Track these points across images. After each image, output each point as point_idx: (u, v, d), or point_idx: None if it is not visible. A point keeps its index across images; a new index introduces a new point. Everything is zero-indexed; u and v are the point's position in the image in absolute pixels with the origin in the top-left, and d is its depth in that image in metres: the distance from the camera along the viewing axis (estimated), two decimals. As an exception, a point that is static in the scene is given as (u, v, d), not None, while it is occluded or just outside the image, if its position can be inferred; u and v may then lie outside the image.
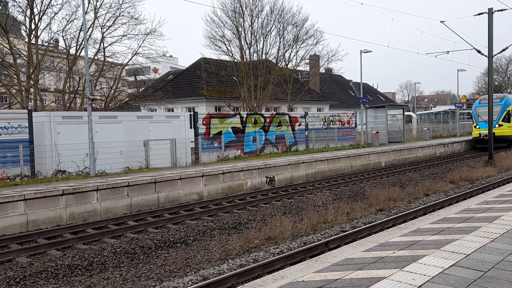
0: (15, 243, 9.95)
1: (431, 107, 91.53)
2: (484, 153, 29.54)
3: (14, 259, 8.83)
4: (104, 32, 26.73)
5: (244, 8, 32.89)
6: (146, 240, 9.74)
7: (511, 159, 23.43)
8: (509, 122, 32.21)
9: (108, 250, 9.05)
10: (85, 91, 22.27)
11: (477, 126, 32.65)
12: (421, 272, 4.99)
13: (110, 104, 28.56)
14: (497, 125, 30.95)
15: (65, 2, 35.50)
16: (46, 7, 24.87)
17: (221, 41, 34.15)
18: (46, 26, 26.45)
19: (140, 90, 39.03)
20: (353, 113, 31.88)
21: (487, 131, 26.20)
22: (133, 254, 8.95)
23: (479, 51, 24.63)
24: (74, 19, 26.55)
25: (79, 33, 25.85)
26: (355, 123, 32.04)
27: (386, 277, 4.86)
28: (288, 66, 36.59)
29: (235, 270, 7.52)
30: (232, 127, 23.63)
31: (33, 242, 10.12)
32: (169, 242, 9.72)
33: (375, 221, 10.89)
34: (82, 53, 22.85)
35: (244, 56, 33.87)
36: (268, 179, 17.79)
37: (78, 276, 7.88)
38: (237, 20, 33.12)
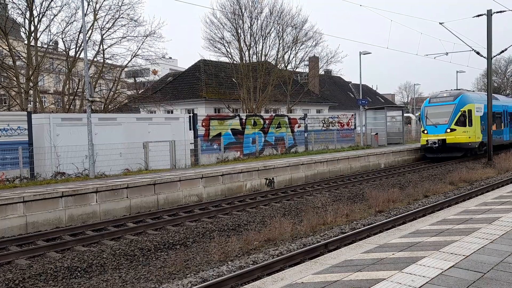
0: (14, 245, 9.93)
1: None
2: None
3: (13, 261, 8.82)
4: (103, 34, 26.76)
5: (243, 10, 32.94)
6: (146, 242, 9.73)
7: (510, 161, 23.45)
8: (465, 125, 25.42)
9: (107, 252, 9.04)
10: (85, 93, 22.29)
11: (425, 131, 26.32)
12: (421, 273, 4.99)
13: (109, 106, 28.56)
14: (448, 130, 25.18)
15: (65, 4, 35.75)
16: (45, 9, 24.90)
17: (221, 43, 34.21)
18: (46, 28, 26.46)
19: (140, 92, 39.04)
20: (352, 115, 31.91)
21: (437, 137, 24.97)
22: (132, 256, 8.94)
23: (478, 53, 24.67)
24: (74, 21, 26.59)
25: (79, 35, 25.88)
26: (355, 124, 32.07)
27: (385, 279, 4.86)
28: (288, 67, 36.64)
29: (234, 271, 7.51)
30: (231, 129, 23.64)
31: (33, 244, 10.11)
32: (168, 244, 9.71)
33: (375, 223, 10.88)
34: (82, 55, 22.87)
35: (244, 58, 33.90)
36: (267, 181, 17.79)
37: (77, 278, 7.87)
38: (236, 22, 33.17)
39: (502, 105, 30.77)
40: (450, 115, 25.46)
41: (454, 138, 25.16)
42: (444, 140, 25.02)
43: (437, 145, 25.02)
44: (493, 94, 28.46)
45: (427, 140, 25.80)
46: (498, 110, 29.50)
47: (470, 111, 25.60)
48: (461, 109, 25.36)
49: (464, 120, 25.38)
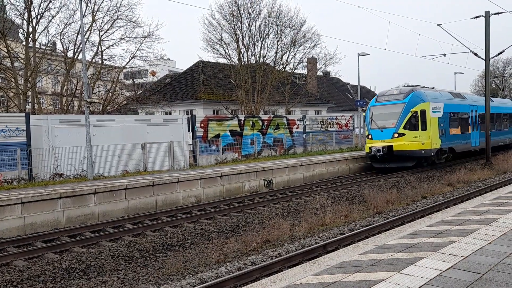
0: (12, 246, 9.91)
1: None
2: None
3: (11, 262, 8.80)
4: (101, 35, 26.74)
5: (242, 11, 32.95)
6: (144, 243, 9.72)
7: (508, 162, 23.48)
8: (416, 129, 20.94)
9: (105, 253, 9.03)
10: (83, 94, 22.26)
11: (370, 136, 21.75)
12: (419, 274, 4.99)
13: (107, 107, 28.53)
14: (395, 135, 20.74)
15: (63, 6, 35.62)
16: (43, 10, 24.87)
17: (219, 44, 34.22)
18: (44, 29, 26.45)
19: (138, 93, 39.03)
20: (350, 116, 31.94)
21: (382, 144, 20.68)
22: (130, 257, 8.93)
23: (476, 54, 24.73)
24: (72, 22, 26.64)
25: (77, 36, 25.85)
26: (353, 125, 32.09)
27: (384, 280, 4.87)
28: (286, 69, 36.66)
29: (233, 273, 7.51)
30: (230, 130, 23.64)
31: (31, 245, 10.09)
32: (167, 245, 9.70)
33: (373, 224, 10.89)
34: (80, 56, 22.88)
35: (242, 59, 33.91)
36: (266, 182, 17.79)
37: (75, 280, 7.85)
38: (234, 23, 33.17)
39: (470, 105, 26.19)
40: (398, 116, 20.89)
41: (403, 144, 20.65)
42: (390, 147, 20.59)
43: (381, 153, 20.52)
44: (459, 92, 26.49)
45: (370, 147, 21.21)
46: (463, 110, 25.26)
47: (423, 112, 21.16)
48: (411, 110, 20.81)
49: (415, 122, 20.94)
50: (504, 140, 30.46)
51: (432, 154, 21.73)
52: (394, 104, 21.36)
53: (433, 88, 24.63)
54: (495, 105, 29.58)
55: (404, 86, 24.24)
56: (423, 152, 21.15)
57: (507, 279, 4.78)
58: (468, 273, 4.97)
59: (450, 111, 23.39)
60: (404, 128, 20.79)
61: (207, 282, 7.07)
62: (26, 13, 24.39)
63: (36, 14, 24.72)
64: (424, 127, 21.11)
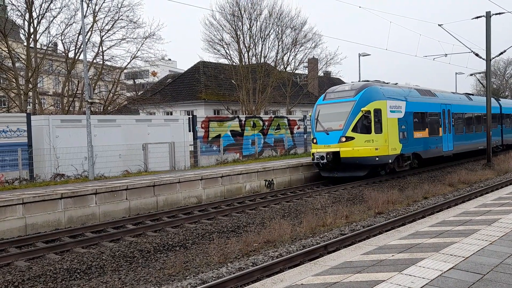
0: (13, 247, 9.92)
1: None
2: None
3: (12, 263, 8.81)
4: (102, 36, 26.79)
5: (242, 12, 32.97)
6: (145, 244, 9.72)
7: (509, 162, 23.46)
8: (369, 132, 17.68)
9: (106, 254, 9.03)
10: (84, 95, 22.30)
11: (315, 140, 18.57)
12: (420, 275, 4.99)
13: (108, 108, 28.58)
14: (343, 139, 17.47)
15: (64, 6, 35.70)
16: (45, 11, 24.93)
17: (220, 45, 34.24)
18: (45, 30, 26.65)
19: (139, 94, 39.09)
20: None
21: (327, 149, 17.50)
22: (131, 257, 8.93)
23: (477, 54, 24.71)
24: (73, 22, 26.62)
25: (78, 36, 25.90)
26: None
27: (385, 280, 4.86)
28: (287, 69, 36.67)
29: (234, 273, 7.51)
30: (230, 130, 23.65)
31: (32, 246, 10.10)
32: (168, 245, 9.70)
33: (374, 224, 10.89)
34: (81, 57, 22.92)
35: (243, 60, 33.93)
36: (267, 182, 17.79)
37: (76, 280, 7.86)
38: (235, 23, 33.19)
39: (442, 104, 22.85)
40: (346, 117, 17.54)
41: (352, 150, 17.28)
42: (337, 153, 17.32)
43: (325, 160, 17.24)
44: (430, 89, 23.40)
45: (313, 154, 18.10)
46: (433, 110, 21.96)
47: (378, 111, 17.90)
48: (362, 109, 17.43)
49: (367, 124, 17.60)
50: (484, 143, 26.35)
51: (390, 161, 18.42)
52: (343, 102, 18.04)
53: (395, 84, 21.55)
54: (475, 104, 26.95)
55: (358, 81, 20.74)
56: (377, 159, 17.74)
57: (509, 279, 4.77)
58: (469, 274, 4.97)
59: (414, 111, 20.26)
60: (353, 130, 17.42)
61: (208, 283, 7.07)
62: (27, 13, 24.44)
63: (37, 14, 24.79)
64: (378, 130, 17.84)
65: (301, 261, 8.03)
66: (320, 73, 47.73)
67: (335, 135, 17.67)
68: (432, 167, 22.69)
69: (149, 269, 8.28)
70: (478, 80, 34.54)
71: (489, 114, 23.66)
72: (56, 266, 8.33)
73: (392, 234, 7.44)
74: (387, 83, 20.82)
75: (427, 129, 21.19)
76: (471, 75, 34.44)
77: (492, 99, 29.33)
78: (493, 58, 24.71)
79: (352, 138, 17.41)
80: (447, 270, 5.11)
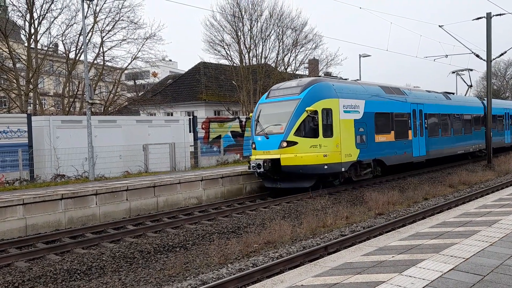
0: (14, 247, 9.93)
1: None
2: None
3: (12, 263, 8.81)
4: (103, 37, 26.86)
5: (243, 13, 33.02)
6: (145, 245, 9.72)
7: (510, 163, 23.44)
8: (316, 135, 15.17)
9: (107, 255, 9.03)
10: (85, 95, 22.32)
11: (254, 145, 15.92)
12: (420, 276, 4.99)
13: (109, 108, 28.62)
14: (284, 144, 14.88)
15: (65, 7, 35.81)
16: (45, 11, 24.99)
17: (220, 46, 34.31)
18: (46, 31, 26.62)
19: (140, 94, 39.10)
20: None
21: (267, 156, 15.06)
22: (132, 258, 8.93)
23: (477, 55, 24.71)
24: (74, 23, 26.69)
25: (79, 37, 25.95)
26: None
27: (385, 281, 4.86)
28: (287, 70, 36.71)
29: (234, 274, 7.51)
30: (231, 131, 23.65)
31: (32, 246, 10.10)
32: (168, 246, 9.70)
33: (374, 225, 10.89)
34: (82, 58, 22.91)
35: (243, 60, 33.97)
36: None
37: (77, 281, 7.86)
38: (236, 24, 33.25)
39: (412, 104, 20.18)
40: (289, 118, 15.00)
41: (294, 157, 14.74)
42: (277, 160, 14.83)
43: (262, 169, 14.79)
44: (398, 87, 20.69)
45: (249, 161, 15.95)
46: (400, 110, 19.32)
47: (327, 112, 15.38)
48: (307, 108, 14.84)
49: (314, 126, 15.08)
50: (466, 147, 24.89)
51: (343, 169, 15.81)
52: (287, 101, 15.48)
53: (356, 80, 19.42)
54: (454, 104, 24.42)
55: (306, 77, 16.92)
56: (325, 167, 15.15)
57: (509, 281, 4.77)
58: (470, 275, 4.97)
59: (376, 111, 17.65)
60: (296, 134, 14.84)
61: (208, 283, 7.07)
62: (28, 14, 24.49)
63: (38, 15, 24.86)
64: (328, 133, 15.33)
65: (301, 262, 8.03)
66: (321, 74, 47.71)
67: (275, 140, 15.08)
68: (429, 169, 22.55)
69: (149, 270, 8.28)
70: (462, 79, 30.99)
71: (489, 115, 23.65)
72: (57, 267, 8.33)
73: (392, 235, 7.44)
74: (345, 79, 18.38)
75: (392, 132, 18.53)
76: (453, 72, 31.16)
77: (476, 99, 28.34)
78: (494, 59, 24.72)
79: (295, 143, 14.83)
80: (448, 271, 5.11)
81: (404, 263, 5.53)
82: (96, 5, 25.80)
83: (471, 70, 29.52)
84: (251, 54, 34.07)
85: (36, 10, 24.72)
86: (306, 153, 14.89)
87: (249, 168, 15.69)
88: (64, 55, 28.04)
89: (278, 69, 35.59)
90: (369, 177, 17.57)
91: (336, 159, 15.45)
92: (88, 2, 23.55)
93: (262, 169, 14.84)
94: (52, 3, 25.08)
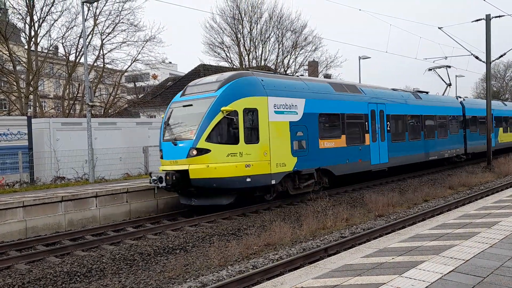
0: (13, 250, 9.93)
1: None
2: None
3: (13, 266, 8.80)
4: (103, 39, 26.92)
5: (243, 15, 33.08)
6: (145, 247, 9.72)
7: (509, 165, 23.42)
8: (235, 142, 12.54)
9: (107, 257, 9.03)
10: (85, 98, 22.32)
11: (161, 154, 13.57)
12: (420, 278, 4.99)
13: (109, 111, 28.65)
14: (193, 152, 12.23)
15: (65, 10, 35.79)
16: (45, 14, 25.06)
17: (220, 48, 34.36)
18: (46, 33, 26.62)
19: (139, 97, 39.11)
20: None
21: (173, 166, 12.50)
22: (132, 260, 8.93)
23: (477, 57, 24.74)
24: (74, 26, 26.76)
25: (79, 40, 26.01)
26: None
27: (385, 283, 4.86)
28: (287, 72, 36.74)
29: (234, 276, 7.51)
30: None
31: (32, 249, 10.10)
32: (168, 248, 9.70)
33: (374, 227, 10.89)
34: (82, 60, 22.96)
35: (243, 63, 34.01)
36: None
37: (77, 283, 7.86)
38: (236, 26, 33.31)
39: (369, 103, 17.46)
40: (200, 120, 12.35)
41: (206, 168, 12.06)
42: (185, 172, 12.17)
43: (164, 184, 12.19)
44: (354, 84, 18.19)
45: (150, 174, 12.99)
46: (353, 110, 16.55)
47: (252, 112, 12.82)
48: (223, 108, 12.21)
49: (233, 130, 12.46)
50: (440, 152, 22.42)
51: (274, 181, 13.15)
52: (201, 99, 12.90)
53: (300, 76, 16.15)
54: (425, 104, 21.77)
55: (231, 72, 14.48)
56: (249, 180, 12.51)
57: (509, 282, 4.77)
58: (470, 277, 4.97)
59: (321, 112, 15.00)
60: (208, 140, 12.16)
61: (208, 286, 7.08)
62: (28, 17, 24.55)
63: (38, 18, 24.93)
64: (252, 138, 12.77)
65: (301, 264, 8.03)
66: (321, 76, 47.78)
67: (184, 147, 12.40)
68: (429, 170, 22.46)
69: (149, 272, 8.28)
70: (440, 77, 26.98)
71: (489, 117, 23.67)
72: (56, 269, 8.33)
73: (392, 237, 7.44)
74: (286, 73, 15.31)
75: (343, 137, 15.87)
76: (430, 70, 27.04)
77: (454, 98, 26.20)
78: (493, 61, 24.77)
79: (207, 151, 12.12)
80: (447, 273, 5.11)
81: (404, 265, 5.53)
82: (96, 8, 25.90)
83: (449, 67, 26.47)
84: (250, 56, 34.14)
85: (36, 12, 24.82)
86: (222, 163, 12.23)
87: (150, 182, 12.76)
88: (64, 57, 28.11)
89: (278, 71, 35.64)
90: (313, 189, 14.77)
91: (264, 169, 12.87)
92: (88, 4, 23.63)
93: (164, 184, 12.15)
94: (52, 5, 25.17)
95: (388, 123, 18.32)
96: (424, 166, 22.05)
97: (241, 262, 8.48)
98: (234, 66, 34.52)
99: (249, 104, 12.82)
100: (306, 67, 40.31)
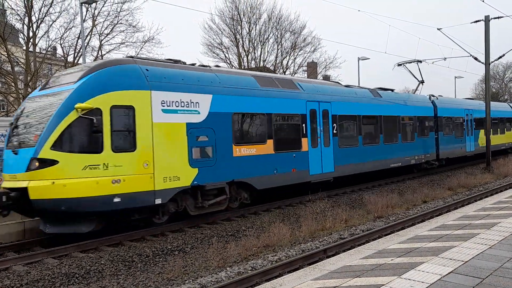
0: (12, 251, 9.90)
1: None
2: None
3: (10, 267, 8.77)
4: (102, 40, 26.89)
5: (242, 16, 33.12)
6: (144, 248, 9.70)
7: (509, 166, 23.45)
8: (97, 150, 9.55)
9: (105, 258, 9.01)
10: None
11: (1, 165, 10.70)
12: (419, 279, 4.98)
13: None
14: (35, 163, 9.19)
15: (63, 10, 35.63)
16: (44, 15, 25.01)
17: (219, 49, 34.40)
18: (44, 34, 26.56)
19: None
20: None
21: (12, 183, 9.58)
22: (130, 262, 8.91)
23: (476, 58, 24.77)
24: (72, 26, 26.72)
25: (77, 40, 25.96)
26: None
27: (384, 284, 4.85)
28: (286, 73, 36.77)
29: (233, 278, 7.50)
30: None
31: (30, 250, 10.06)
32: (167, 250, 9.68)
33: (374, 228, 10.88)
34: (80, 61, 22.93)
35: (242, 63, 34.03)
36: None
37: (75, 285, 7.83)
38: (235, 27, 33.34)
39: (308, 101, 14.74)
40: (47, 121, 9.56)
41: (51, 186, 9.20)
42: (24, 191, 9.22)
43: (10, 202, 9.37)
44: (291, 80, 15.22)
45: None
46: (287, 110, 14.03)
47: (124, 111, 10.08)
48: (77, 105, 9.42)
49: (94, 134, 9.61)
50: (405, 158, 19.81)
51: (160, 200, 10.52)
52: (55, 94, 10.14)
53: (207, 66, 13.40)
54: (384, 103, 18.79)
55: (100, 61, 12.35)
56: (117, 200, 9.76)
57: (508, 283, 4.77)
58: (469, 278, 4.96)
59: (236, 111, 12.43)
60: (55, 147, 9.34)
61: (207, 287, 7.05)
62: (27, 17, 24.53)
63: (37, 18, 24.88)
64: (125, 144, 10.00)
65: (300, 265, 8.02)
66: (320, 77, 47.81)
67: (25, 157, 9.51)
68: (429, 171, 22.50)
69: (147, 273, 8.26)
70: (411, 74, 24.20)
71: (489, 118, 23.67)
72: (55, 271, 8.31)
73: (392, 238, 7.43)
74: (184, 63, 12.25)
75: (270, 142, 13.21)
76: (399, 65, 24.37)
77: (425, 97, 23.43)
78: (492, 62, 24.79)
79: (53, 162, 9.26)
80: (447, 274, 5.11)
81: (403, 266, 5.52)
82: (95, 9, 25.87)
83: (420, 61, 24.16)
84: (249, 57, 34.19)
85: (34, 13, 24.79)
86: (76, 178, 9.35)
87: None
88: (63, 58, 28.05)
89: (277, 72, 35.65)
90: (227, 207, 12.44)
91: (143, 185, 10.10)
92: (86, 5, 23.62)
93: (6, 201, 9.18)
94: (51, 6, 25.12)
95: (334, 125, 15.58)
96: (384, 174, 19.23)
97: (240, 264, 8.47)
98: (233, 67, 34.54)
99: (120, 100, 9.93)
100: (305, 68, 40.39)
